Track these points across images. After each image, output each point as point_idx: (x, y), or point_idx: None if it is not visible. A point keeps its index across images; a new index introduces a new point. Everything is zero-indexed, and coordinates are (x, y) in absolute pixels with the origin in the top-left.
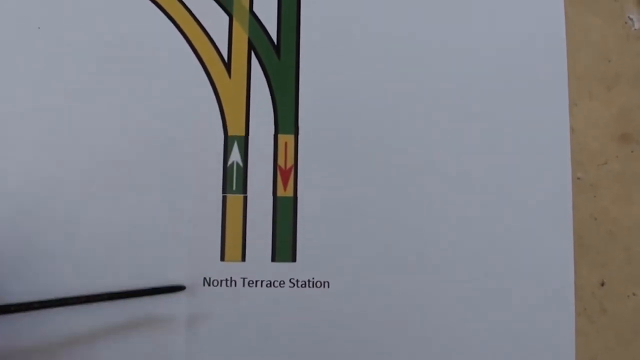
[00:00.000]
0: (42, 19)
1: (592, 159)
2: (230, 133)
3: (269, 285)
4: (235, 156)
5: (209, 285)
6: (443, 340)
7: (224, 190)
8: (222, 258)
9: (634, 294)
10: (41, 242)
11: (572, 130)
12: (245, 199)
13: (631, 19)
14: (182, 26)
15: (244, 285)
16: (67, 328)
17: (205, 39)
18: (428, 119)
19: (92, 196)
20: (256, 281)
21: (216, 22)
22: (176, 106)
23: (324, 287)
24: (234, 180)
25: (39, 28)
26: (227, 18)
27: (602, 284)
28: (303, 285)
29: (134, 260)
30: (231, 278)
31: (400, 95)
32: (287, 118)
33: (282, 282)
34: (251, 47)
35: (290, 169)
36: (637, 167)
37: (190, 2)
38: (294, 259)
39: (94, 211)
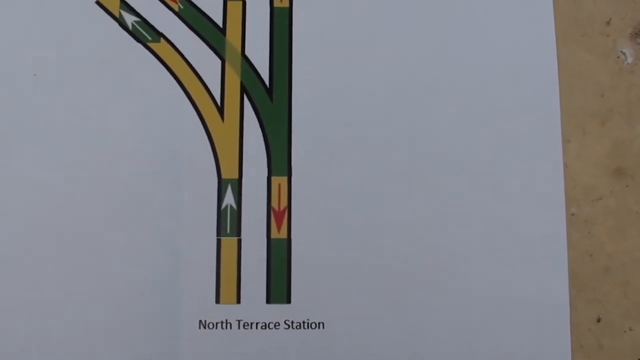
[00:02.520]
0: (38, 68)
1: (586, 194)
2: (224, 176)
3: (264, 327)
4: (229, 199)
5: (204, 328)
6: None
7: (219, 233)
8: (218, 301)
9: (630, 329)
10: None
11: (566, 166)
12: (239, 241)
13: (624, 54)
14: (174, 70)
15: (239, 327)
16: None
17: (198, 83)
18: (422, 164)
19: (90, 237)
20: (251, 323)
21: (209, 66)
22: (170, 150)
23: (319, 328)
24: (228, 223)
25: (35, 75)
26: (219, 62)
27: (599, 320)
28: (298, 327)
29: (128, 303)
30: (226, 320)
31: (394, 136)
32: (280, 160)
33: (277, 324)
34: (243, 90)
35: (284, 210)
36: (632, 202)
37: (182, 46)
38: (288, 301)
39: (89, 253)
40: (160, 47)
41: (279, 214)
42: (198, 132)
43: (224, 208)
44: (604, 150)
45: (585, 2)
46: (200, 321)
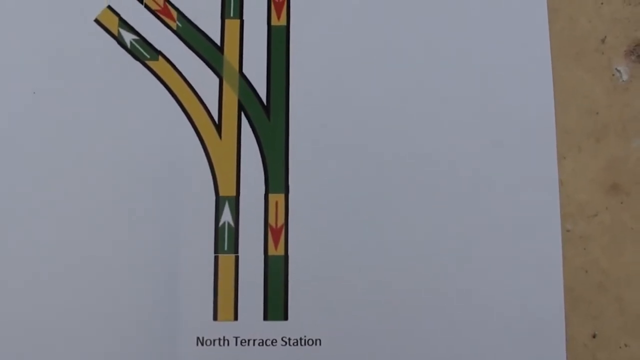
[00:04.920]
0: (39, 84)
1: (581, 211)
2: (221, 193)
3: (261, 344)
4: (226, 216)
5: (202, 344)
6: None
7: (216, 250)
8: (215, 317)
9: (626, 345)
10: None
11: (561, 183)
12: (236, 258)
13: (619, 71)
14: (172, 88)
15: (236, 344)
16: None
17: (196, 100)
18: (420, 183)
19: (87, 254)
20: (249, 340)
21: (206, 84)
22: (167, 167)
23: (316, 344)
24: (226, 240)
25: (34, 93)
26: (217, 80)
27: (594, 336)
28: (295, 344)
29: (125, 320)
30: (224, 337)
31: (392, 154)
32: (277, 177)
33: (274, 341)
34: (241, 108)
35: (281, 227)
36: (627, 218)
37: (180, 64)
38: (285, 318)
39: (86, 270)
40: (159, 65)
41: (276, 231)
42: (196, 150)
43: (222, 225)
44: (599, 166)
45: (580, 20)
46: (198, 338)
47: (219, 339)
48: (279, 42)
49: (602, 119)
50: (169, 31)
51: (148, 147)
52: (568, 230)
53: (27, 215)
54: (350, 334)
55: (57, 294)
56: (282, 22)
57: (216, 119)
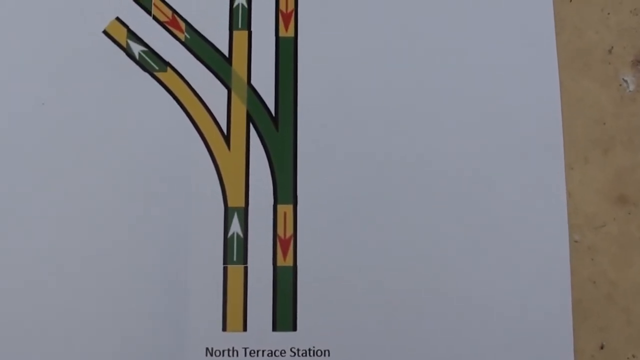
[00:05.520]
0: (47, 94)
1: (589, 222)
2: (230, 204)
3: (270, 354)
4: (235, 227)
5: (211, 355)
6: None
7: (225, 261)
8: (224, 328)
9: (634, 356)
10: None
11: (569, 194)
12: (245, 269)
13: (626, 81)
14: (181, 100)
15: (245, 355)
16: None
17: (205, 112)
18: (429, 194)
19: (96, 264)
20: (257, 351)
21: (215, 95)
22: (176, 178)
23: (325, 355)
24: (235, 251)
25: (43, 104)
26: (225, 91)
27: (602, 347)
28: (304, 354)
29: (134, 331)
30: (233, 348)
31: (400, 165)
32: (286, 188)
33: (283, 352)
34: (250, 119)
35: (290, 238)
36: (635, 229)
37: (189, 75)
38: (294, 328)
39: (95, 280)
40: (167, 76)
41: (284, 242)
42: (204, 161)
43: (231, 236)
44: (607, 177)
45: (587, 31)
46: (207, 349)
47: (228, 350)
48: (287, 54)
49: (609, 129)
50: (177, 42)
51: (156, 158)
52: (576, 241)
53: (31, 221)
54: (359, 345)
55: (58, 297)
56: (290, 33)
57: (225, 130)
